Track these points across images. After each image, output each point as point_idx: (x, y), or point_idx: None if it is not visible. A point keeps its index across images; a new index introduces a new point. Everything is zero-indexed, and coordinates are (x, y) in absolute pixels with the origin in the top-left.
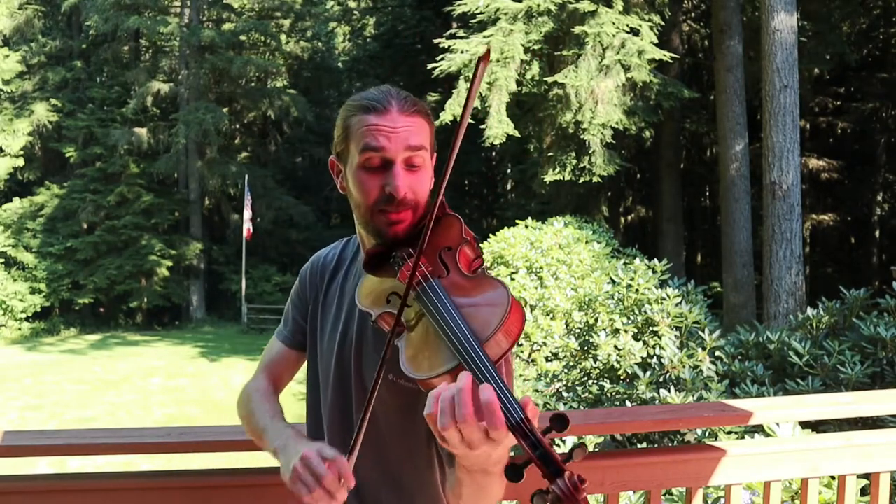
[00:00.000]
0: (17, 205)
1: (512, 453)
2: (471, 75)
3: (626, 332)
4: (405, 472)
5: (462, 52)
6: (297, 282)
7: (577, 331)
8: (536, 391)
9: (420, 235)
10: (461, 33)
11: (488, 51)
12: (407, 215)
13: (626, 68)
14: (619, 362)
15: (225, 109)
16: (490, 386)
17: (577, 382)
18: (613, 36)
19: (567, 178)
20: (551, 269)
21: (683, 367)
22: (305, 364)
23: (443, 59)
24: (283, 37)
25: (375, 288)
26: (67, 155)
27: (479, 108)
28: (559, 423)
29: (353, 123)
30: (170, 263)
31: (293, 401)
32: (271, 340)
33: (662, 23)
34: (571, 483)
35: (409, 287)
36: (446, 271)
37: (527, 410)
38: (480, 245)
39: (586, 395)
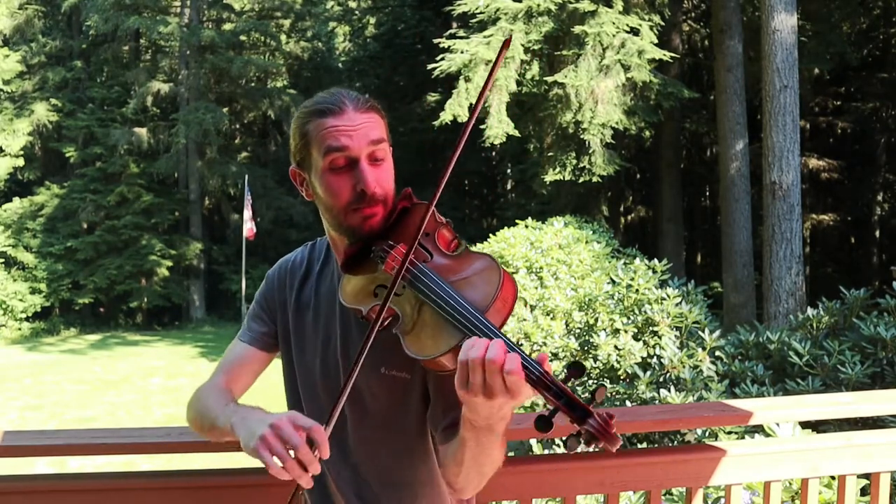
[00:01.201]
0: (17, 205)
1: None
2: (470, 75)
3: (626, 332)
4: (401, 466)
5: (462, 52)
6: (265, 285)
7: (577, 331)
8: None
9: (393, 227)
10: (461, 33)
11: (510, 38)
12: (379, 209)
13: (626, 68)
14: (619, 362)
15: (225, 109)
16: (516, 354)
17: (577, 382)
18: (613, 36)
19: (567, 178)
20: (551, 269)
21: (683, 367)
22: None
23: (443, 59)
24: (283, 37)
25: (360, 285)
26: (67, 155)
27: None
28: (576, 369)
29: (310, 129)
30: (170, 263)
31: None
32: (232, 343)
33: (662, 23)
34: (602, 419)
35: (399, 275)
36: (430, 256)
37: (544, 366)
38: (454, 227)
39: (586, 395)
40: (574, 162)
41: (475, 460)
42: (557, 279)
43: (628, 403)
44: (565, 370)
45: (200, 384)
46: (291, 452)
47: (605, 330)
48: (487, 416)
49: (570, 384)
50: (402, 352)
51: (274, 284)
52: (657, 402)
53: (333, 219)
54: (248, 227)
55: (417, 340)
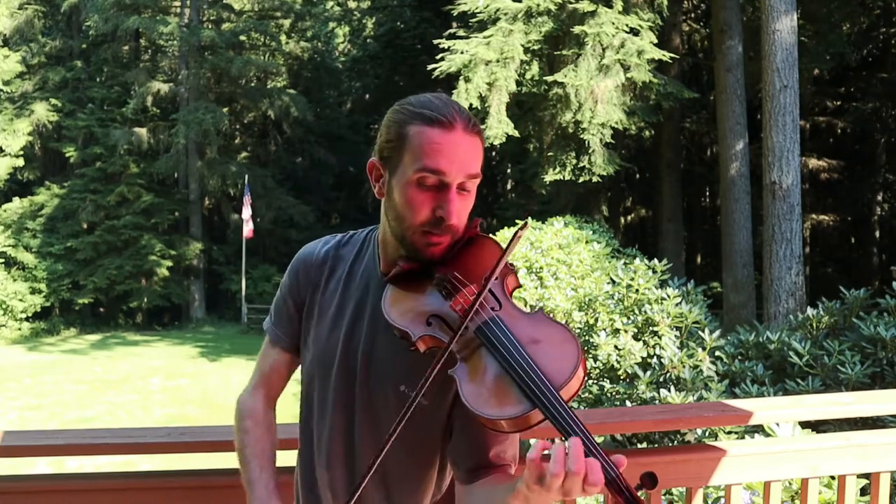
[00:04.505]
0: (17, 205)
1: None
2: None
3: (626, 332)
4: (405, 491)
5: (462, 53)
6: (288, 277)
7: (577, 331)
8: None
9: (455, 257)
10: (461, 33)
11: (526, 223)
12: (447, 238)
13: (626, 68)
14: (619, 362)
15: (225, 109)
16: (597, 461)
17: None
18: (613, 36)
19: (567, 177)
20: (551, 269)
21: (683, 367)
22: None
23: (443, 59)
24: (283, 37)
25: (408, 305)
26: (67, 155)
27: (479, 107)
28: (650, 480)
29: (411, 133)
30: (170, 263)
31: (294, 400)
32: (266, 345)
33: (662, 23)
34: None
35: (466, 318)
36: (499, 304)
37: (620, 468)
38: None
39: (586, 395)
40: (574, 162)
41: None
42: (557, 279)
43: (628, 403)
44: (640, 479)
45: (240, 394)
46: None
47: (605, 330)
48: (544, 502)
49: (641, 493)
50: (426, 375)
51: (299, 276)
52: (657, 402)
53: (400, 230)
54: (247, 227)
55: (478, 395)
